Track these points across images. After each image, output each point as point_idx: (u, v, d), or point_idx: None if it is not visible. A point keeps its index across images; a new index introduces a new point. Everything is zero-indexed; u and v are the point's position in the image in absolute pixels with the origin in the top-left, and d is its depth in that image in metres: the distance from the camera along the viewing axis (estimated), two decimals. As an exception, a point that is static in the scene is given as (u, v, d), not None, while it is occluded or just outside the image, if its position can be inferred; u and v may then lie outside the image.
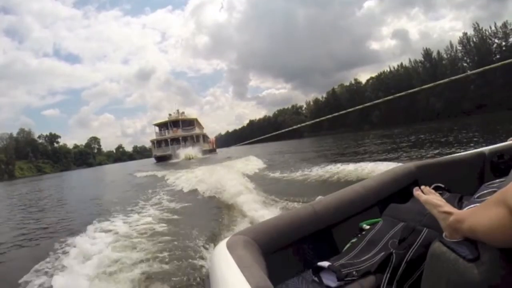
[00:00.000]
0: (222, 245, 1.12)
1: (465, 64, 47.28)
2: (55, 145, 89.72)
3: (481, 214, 0.61)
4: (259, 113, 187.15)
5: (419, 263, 0.96)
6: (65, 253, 4.01)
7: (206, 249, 3.56)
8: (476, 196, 0.93)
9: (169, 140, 32.39)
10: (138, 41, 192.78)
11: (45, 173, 70.28)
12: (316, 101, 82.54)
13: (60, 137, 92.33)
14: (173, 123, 33.98)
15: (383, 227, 1.29)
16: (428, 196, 0.86)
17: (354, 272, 1.05)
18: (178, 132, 32.90)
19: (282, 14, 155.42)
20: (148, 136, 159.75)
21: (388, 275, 1.00)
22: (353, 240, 1.32)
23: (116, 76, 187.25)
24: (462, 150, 3.38)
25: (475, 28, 47.24)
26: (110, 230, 4.94)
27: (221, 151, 33.53)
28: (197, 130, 34.42)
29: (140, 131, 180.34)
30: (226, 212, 5.54)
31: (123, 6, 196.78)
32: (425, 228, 1.06)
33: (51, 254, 4.12)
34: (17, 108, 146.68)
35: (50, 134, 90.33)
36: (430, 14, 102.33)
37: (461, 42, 49.02)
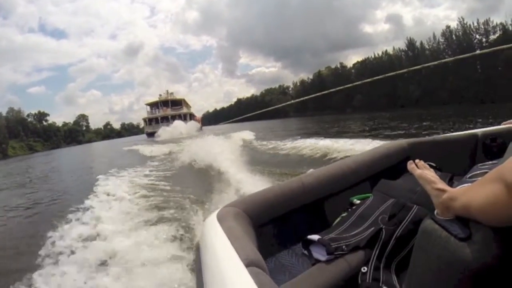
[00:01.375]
0: (213, 216, 1.15)
1: (446, 56, 49.19)
2: (44, 123, 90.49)
3: (475, 191, 0.60)
4: (248, 91, 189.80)
5: (408, 240, 1.01)
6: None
7: (197, 220, 3.60)
8: (468, 176, 0.95)
9: (159, 118, 34.95)
10: (127, 16, 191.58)
11: (37, 151, 71.17)
12: (302, 82, 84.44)
13: (49, 115, 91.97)
14: (163, 103, 36.73)
15: (373, 203, 1.32)
16: (422, 171, 0.85)
17: (343, 246, 1.08)
18: (167, 111, 35.62)
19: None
20: (135, 113, 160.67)
21: (377, 250, 1.04)
22: (343, 215, 1.35)
23: (104, 51, 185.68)
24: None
25: (460, 22, 48.76)
26: (108, 196, 5.52)
27: (208, 129, 34.58)
28: (184, 110, 37.02)
29: (128, 108, 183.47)
30: (216, 183, 5.57)
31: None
32: (415, 205, 1.10)
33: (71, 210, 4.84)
34: (2, 85, 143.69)
35: (39, 112, 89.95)
36: (425, 1, 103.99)
37: (443, 34, 51.01)
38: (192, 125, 31.85)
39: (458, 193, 0.67)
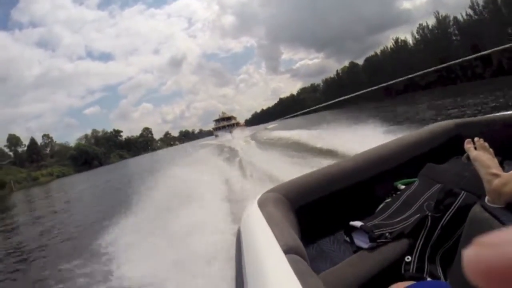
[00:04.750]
0: (254, 202, 1.21)
1: (422, 47, 66.15)
2: (120, 138, 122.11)
3: None
4: (294, 86, 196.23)
5: (456, 229, 0.98)
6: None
7: (241, 204, 4.00)
8: None
9: (220, 127, 59.65)
10: (166, 30, 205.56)
11: (125, 158, 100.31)
12: (326, 81, 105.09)
13: (122, 131, 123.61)
14: (222, 119, 62.22)
15: (419, 188, 1.30)
16: (478, 152, 0.82)
17: (387, 234, 1.07)
18: (224, 123, 60.50)
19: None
20: (187, 120, 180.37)
21: (423, 239, 1.02)
22: (387, 200, 1.36)
23: (149, 67, 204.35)
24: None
25: (435, 16, 64.15)
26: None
27: (250, 128, 54.24)
28: (233, 121, 61.77)
29: (180, 116, 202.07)
30: (260, 168, 6.64)
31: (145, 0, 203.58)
32: (463, 192, 1.05)
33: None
34: (60, 111, 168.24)
35: (114, 130, 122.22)
36: None
37: (418, 32, 67.66)
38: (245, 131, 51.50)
39: (511, 177, 0.66)
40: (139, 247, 3.95)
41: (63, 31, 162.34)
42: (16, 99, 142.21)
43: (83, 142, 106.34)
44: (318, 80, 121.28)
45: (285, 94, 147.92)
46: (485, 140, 1.10)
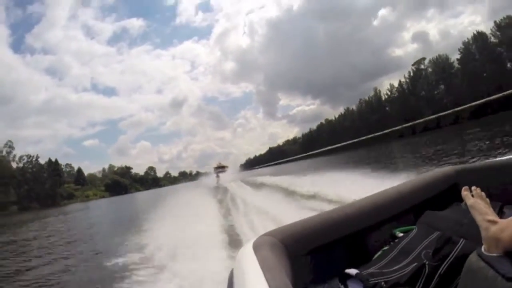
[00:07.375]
0: (248, 245, 1.21)
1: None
2: (130, 173, 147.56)
3: None
4: (291, 131, 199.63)
5: (453, 278, 0.98)
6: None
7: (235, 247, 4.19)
8: None
9: (218, 172, 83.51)
10: (170, 71, 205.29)
11: (140, 191, 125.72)
12: (303, 136, 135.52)
13: (132, 168, 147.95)
14: (218, 167, 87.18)
15: (417, 236, 1.32)
16: (475, 200, 0.85)
17: (382, 283, 1.08)
18: (220, 169, 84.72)
19: (301, 32, 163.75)
20: (184, 161, 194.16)
21: None
22: (385, 248, 1.38)
23: (151, 105, 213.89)
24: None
25: (374, 91, 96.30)
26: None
27: (242, 173, 64.32)
28: (226, 169, 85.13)
29: (176, 156, 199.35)
30: (255, 212, 7.02)
31: (153, 40, 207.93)
32: (462, 239, 1.05)
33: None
34: (60, 139, 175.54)
35: (125, 166, 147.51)
36: (447, 12, 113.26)
37: (359, 105, 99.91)
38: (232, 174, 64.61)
39: (509, 223, 0.67)
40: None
41: (72, 62, 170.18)
42: (19, 121, 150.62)
43: (100, 175, 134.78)
44: (314, 126, 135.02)
45: (282, 139, 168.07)
46: (484, 186, 1.16)
